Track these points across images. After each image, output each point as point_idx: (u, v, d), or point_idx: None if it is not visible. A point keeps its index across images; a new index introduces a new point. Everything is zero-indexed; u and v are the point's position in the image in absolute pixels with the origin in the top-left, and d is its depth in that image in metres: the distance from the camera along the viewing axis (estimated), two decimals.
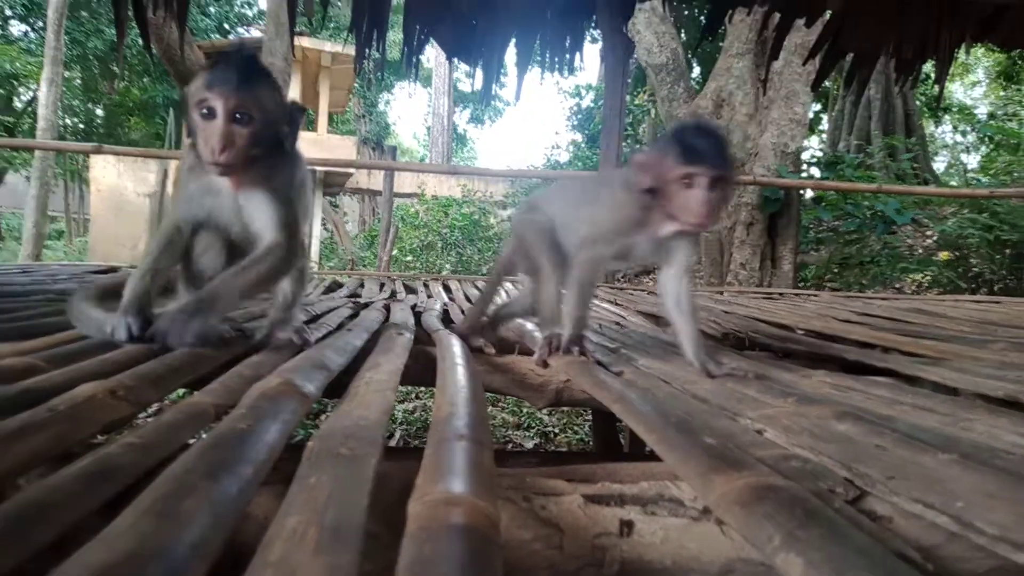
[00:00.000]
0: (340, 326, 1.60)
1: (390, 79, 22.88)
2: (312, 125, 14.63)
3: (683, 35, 11.87)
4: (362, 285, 3.46)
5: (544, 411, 4.56)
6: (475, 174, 13.17)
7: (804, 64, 6.34)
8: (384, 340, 1.36)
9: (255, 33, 16.35)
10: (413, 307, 2.22)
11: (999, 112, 15.45)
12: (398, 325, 1.59)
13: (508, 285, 2.59)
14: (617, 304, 2.77)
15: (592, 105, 12.62)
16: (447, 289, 3.48)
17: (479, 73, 4.39)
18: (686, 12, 11.63)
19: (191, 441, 0.66)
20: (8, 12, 16.58)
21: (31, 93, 17.57)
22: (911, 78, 4.33)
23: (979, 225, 6.63)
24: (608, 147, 4.37)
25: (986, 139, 12.29)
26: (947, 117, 16.25)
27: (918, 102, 13.14)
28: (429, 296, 2.95)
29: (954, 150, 17.47)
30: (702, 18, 8.08)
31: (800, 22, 4.17)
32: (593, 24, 4.51)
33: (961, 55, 4.18)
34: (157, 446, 0.61)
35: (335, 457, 0.57)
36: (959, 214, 7.38)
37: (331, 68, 14.15)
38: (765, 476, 0.58)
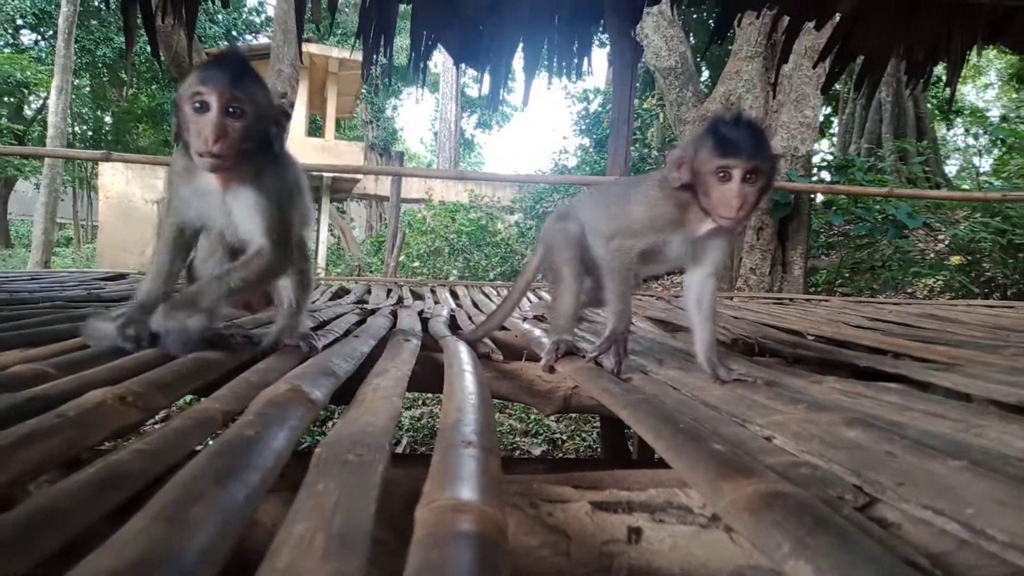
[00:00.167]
0: (347, 332, 1.61)
1: (397, 85, 23.05)
2: (319, 131, 14.75)
3: (692, 39, 11.89)
4: (369, 291, 3.48)
5: (552, 418, 4.55)
6: (482, 179, 13.16)
7: (814, 67, 6.34)
8: (391, 346, 1.36)
9: (263, 40, 16.50)
10: (420, 313, 2.22)
11: (1012, 115, 15.35)
12: (405, 331, 1.60)
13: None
14: None
15: (600, 109, 12.59)
16: (454, 295, 3.48)
17: (487, 78, 4.39)
18: (695, 15, 11.65)
19: (199, 448, 0.66)
20: (19, 21, 16.82)
21: (40, 101, 17.81)
22: (922, 81, 4.30)
23: (991, 229, 6.57)
24: (616, 152, 4.36)
25: (998, 142, 12.17)
26: (959, 120, 16.14)
27: (929, 105, 13.07)
28: (436, 302, 2.95)
29: (966, 153, 17.35)
30: (711, 21, 8.05)
31: (810, 25, 4.14)
32: (601, 28, 4.50)
33: (973, 57, 4.15)
34: (165, 452, 0.62)
35: (342, 463, 0.57)
36: (971, 218, 7.30)
37: (339, 74, 14.28)
38: (774, 483, 0.58)
